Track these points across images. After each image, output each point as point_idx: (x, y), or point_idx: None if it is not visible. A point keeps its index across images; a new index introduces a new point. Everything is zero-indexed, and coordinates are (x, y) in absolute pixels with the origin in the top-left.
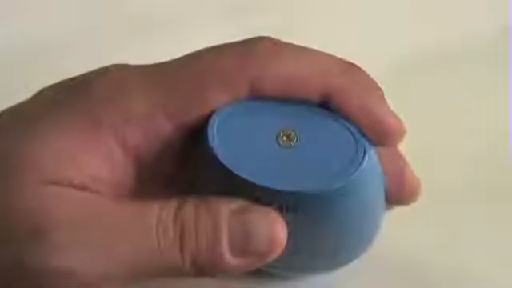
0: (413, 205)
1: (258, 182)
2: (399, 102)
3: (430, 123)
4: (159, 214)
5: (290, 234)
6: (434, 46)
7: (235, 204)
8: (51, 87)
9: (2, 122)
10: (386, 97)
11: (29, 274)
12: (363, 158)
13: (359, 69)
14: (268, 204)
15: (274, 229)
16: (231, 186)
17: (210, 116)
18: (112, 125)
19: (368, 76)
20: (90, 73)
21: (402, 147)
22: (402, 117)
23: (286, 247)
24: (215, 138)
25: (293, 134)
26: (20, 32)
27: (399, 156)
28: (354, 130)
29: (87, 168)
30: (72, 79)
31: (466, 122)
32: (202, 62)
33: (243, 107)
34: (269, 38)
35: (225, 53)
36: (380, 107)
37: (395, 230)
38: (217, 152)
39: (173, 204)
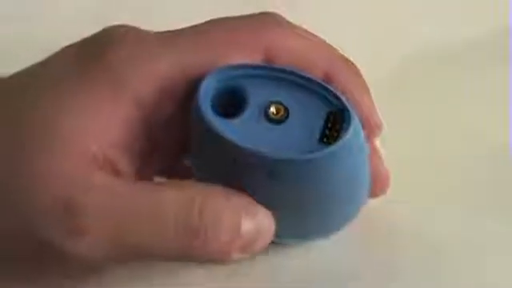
0: (412, 204)
1: (245, 145)
2: (400, 101)
3: (431, 123)
4: (175, 202)
5: (276, 199)
6: (434, 47)
7: (247, 203)
8: (70, 48)
9: (23, 81)
10: (387, 96)
11: (41, 247)
12: (348, 127)
13: (356, 66)
14: (254, 169)
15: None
16: (219, 150)
17: (201, 79)
18: (132, 87)
19: (361, 74)
20: (107, 35)
21: (403, 146)
22: (401, 116)
23: (274, 214)
24: (204, 101)
25: (281, 105)
26: (20, 31)
27: (375, 151)
28: (340, 102)
29: (104, 135)
30: (86, 40)
31: (467, 122)
32: (220, 29)
33: (236, 73)
34: (279, 15)
35: (241, 22)
36: (369, 104)
37: (395, 230)
38: (204, 114)
39: (189, 193)
